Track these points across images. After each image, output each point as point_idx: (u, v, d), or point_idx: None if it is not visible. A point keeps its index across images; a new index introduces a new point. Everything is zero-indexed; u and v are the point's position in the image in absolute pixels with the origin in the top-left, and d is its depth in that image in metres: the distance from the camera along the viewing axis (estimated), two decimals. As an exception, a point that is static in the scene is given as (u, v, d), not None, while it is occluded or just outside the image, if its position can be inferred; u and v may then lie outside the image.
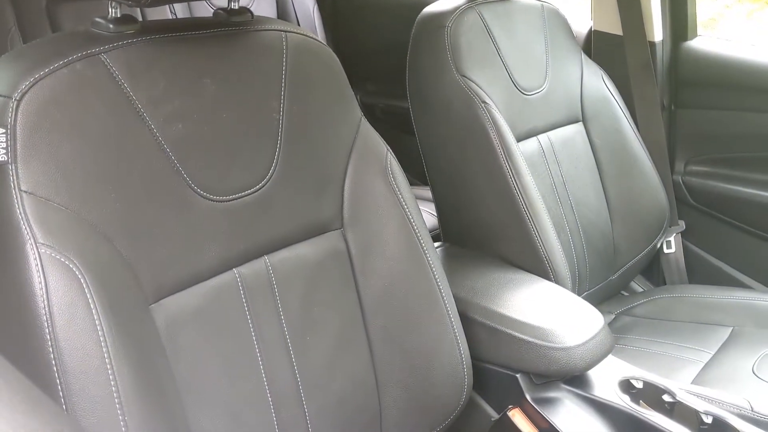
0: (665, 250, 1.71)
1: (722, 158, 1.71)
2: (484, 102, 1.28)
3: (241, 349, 0.87)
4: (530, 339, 1.03)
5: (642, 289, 1.74)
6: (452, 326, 1.00)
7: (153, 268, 0.80)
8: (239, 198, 0.88)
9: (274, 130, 0.92)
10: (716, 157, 1.72)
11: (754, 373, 1.26)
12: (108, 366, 0.70)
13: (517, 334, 1.05)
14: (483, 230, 1.32)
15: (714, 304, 1.52)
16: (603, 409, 1.03)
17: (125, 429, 0.70)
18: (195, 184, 0.83)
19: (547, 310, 1.09)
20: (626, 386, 1.08)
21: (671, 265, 1.72)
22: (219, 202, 0.86)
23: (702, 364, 1.32)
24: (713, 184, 1.71)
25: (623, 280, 1.62)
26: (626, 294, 1.72)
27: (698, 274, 1.73)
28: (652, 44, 1.71)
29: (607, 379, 1.07)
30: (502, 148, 1.27)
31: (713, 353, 1.35)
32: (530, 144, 1.43)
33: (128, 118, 0.79)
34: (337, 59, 1.01)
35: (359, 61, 2.00)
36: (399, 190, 1.00)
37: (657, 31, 1.70)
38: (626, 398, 1.04)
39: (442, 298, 1.00)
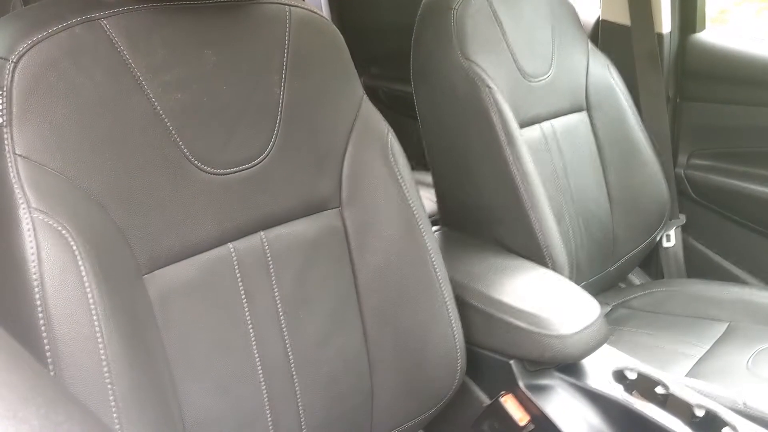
0: (665, 244, 1.70)
1: (726, 152, 1.70)
2: (488, 86, 1.26)
3: (233, 323, 0.86)
4: (525, 325, 1.03)
5: (640, 282, 1.73)
6: (447, 309, 1.00)
7: (147, 239, 0.79)
8: (237, 172, 0.87)
9: (275, 105, 0.90)
10: (720, 151, 1.71)
11: (748, 368, 1.26)
12: (98, 334, 0.69)
13: (512, 320, 1.04)
14: (482, 215, 1.31)
15: (711, 299, 1.52)
16: (595, 398, 1.03)
17: (113, 397, 0.69)
18: (192, 155, 0.82)
19: (544, 297, 1.09)
20: (620, 376, 1.07)
21: (670, 259, 1.71)
22: (216, 175, 0.85)
23: (696, 358, 1.32)
24: (716, 178, 1.70)
25: (621, 271, 1.62)
26: (623, 286, 1.72)
27: (697, 268, 1.72)
28: (660, 35, 1.69)
29: (600, 369, 1.06)
30: (505, 133, 1.26)
31: (708, 348, 1.35)
32: (533, 131, 1.42)
33: (126, 85, 0.78)
34: (341, 35, 1.00)
35: (363, 43, 1.98)
36: (399, 170, 0.99)
37: (665, 23, 1.69)
38: (619, 388, 1.04)
39: (438, 280, 1.00)
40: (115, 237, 0.76)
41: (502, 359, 1.05)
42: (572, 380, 1.04)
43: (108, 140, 0.76)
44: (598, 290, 1.56)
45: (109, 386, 0.69)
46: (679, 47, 1.72)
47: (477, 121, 1.28)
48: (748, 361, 1.28)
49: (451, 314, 1.00)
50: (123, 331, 0.72)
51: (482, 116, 1.27)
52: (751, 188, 1.63)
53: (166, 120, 0.80)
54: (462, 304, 1.05)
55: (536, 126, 1.43)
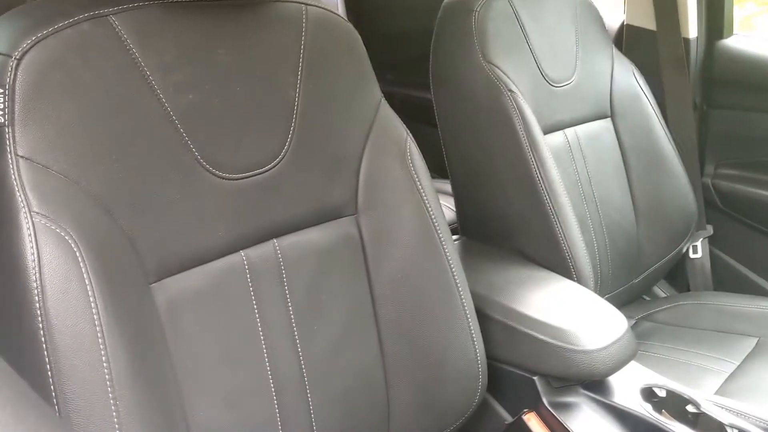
0: (691, 255, 1.65)
1: (754, 162, 1.64)
2: (511, 90, 1.22)
3: (244, 335, 0.82)
4: (550, 340, 0.98)
5: (665, 295, 1.68)
6: (468, 322, 0.95)
7: (155, 245, 0.75)
8: (249, 177, 0.83)
9: (290, 107, 0.87)
10: (748, 160, 1.65)
11: (780, 386, 1.20)
12: (101, 346, 0.66)
13: (536, 334, 0.99)
14: (504, 224, 1.27)
15: (740, 313, 1.46)
16: (623, 417, 0.98)
17: (116, 414, 0.66)
18: (204, 159, 0.79)
19: (569, 311, 1.04)
20: (648, 394, 1.02)
21: (696, 271, 1.66)
22: (228, 180, 0.81)
23: (726, 375, 1.26)
24: (744, 188, 1.64)
25: (646, 284, 1.56)
26: (648, 299, 1.66)
27: (724, 281, 1.66)
28: (687, 41, 1.65)
29: (628, 386, 1.01)
30: (528, 139, 1.21)
31: (738, 364, 1.29)
32: (556, 137, 1.38)
33: (135, 84, 0.74)
34: (359, 36, 0.96)
35: (380, 48, 1.93)
36: (417, 177, 0.95)
37: (692, 28, 1.64)
38: (648, 407, 0.99)
39: (458, 291, 0.95)
40: (121, 243, 0.72)
41: (525, 375, 1.00)
42: (599, 397, 0.99)
43: (116, 142, 0.73)
44: (621, 303, 1.51)
45: (112, 402, 0.66)
46: (706, 53, 1.67)
47: (499, 127, 1.23)
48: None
49: (471, 327, 0.96)
50: (128, 344, 0.68)
51: (504, 121, 1.22)
52: (778, 197, 1.58)
53: (176, 121, 0.77)
54: (483, 317, 1.00)
55: (560, 132, 1.38)
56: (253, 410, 0.82)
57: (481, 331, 0.97)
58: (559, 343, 0.97)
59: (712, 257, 1.67)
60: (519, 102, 1.22)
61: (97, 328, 0.66)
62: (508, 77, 1.23)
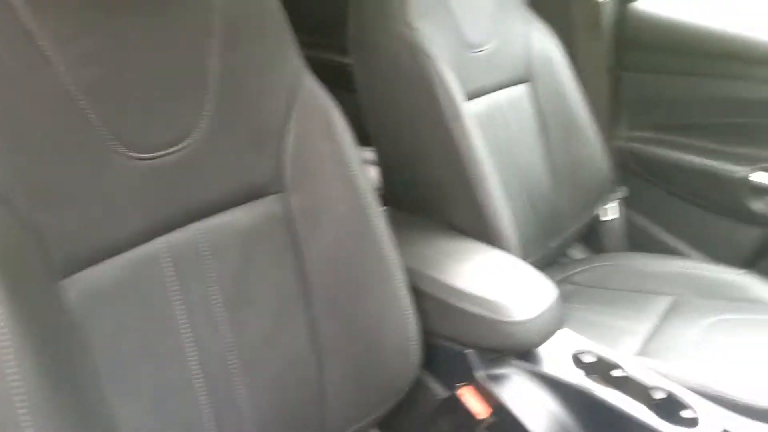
0: (606, 217, 1.68)
1: (667, 124, 1.68)
2: (432, 56, 1.18)
3: (167, 328, 0.76)
4: (483, 312, 0.97)
5: (581, 257, 1.71)
6: (402, 297, 0.93)
7: (63, 237, 0.68)
8: (164, 156, 0.76)
9: (204, 78, 0.80)
10: (661, 122, 1.69)
11: (697, 344, 1.24)
12: (6, 352, 0.58)
13: (467, 307, 0.98)
14: (428, 194, 1.24)
15: (654, 273, 1.51)
16: (556, 385, 0.98)
17: (28, 424, 0.59)
18: (111, 138, 0.71)
19: (498, 282, 1.03)
20: (578, 361, 1.04)
21: (611, 233, 1.70)
22: (140, 160, 0.74)
23: (644, 335, 1.30)
24: (657, 150, 1.68)
25: (563, 246, 1.58)
26: (565, 261, 1.69)
27: (638, 242, 1.71)
28: (599, 3, 1.65)
29: (559, 353, 1.02)
30: (450, 107, 1.18)
31: (655, 323, 1.33)
32: (478, 104, 1.35)
33: (30, 58, 0.66)
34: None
35: (291, 8, 1.85)
36: (345, 150, 0.91)
37: (609, -10, 1.65)
38: (580, 373, 1.00)
39: (392, 266, 0.92)
40: (23, 236, 0.65)
41: (459, 349, 0.99)
42: (532, 367, 0.99)
43: (10, 122, 0.64)
44: (541, 266, 1.52)
45: (22, 413, 0.59)
46: (619, 16, 1.68)
47: (420, 94, 1.19)
48: (697, 336, 1.27)
49: (405, 302, 0.93)
50: (37, 347, 0.61)
51: (426, 88, 1.19)
52: (692, 160, 1.62)
53: (79, 98, 0.69)
54: (415, 292, 0.97)
55: (481, 99, 1.36)
56: (180, 408, 0.77)
57: (415, 306, 0.95)
58: (492, 316, 0.96)
59: (627, 219, 1.71)
60: (441, 68, 1.19)
61: (1, 333, 0.58)
62: (430, 42, 1.19)
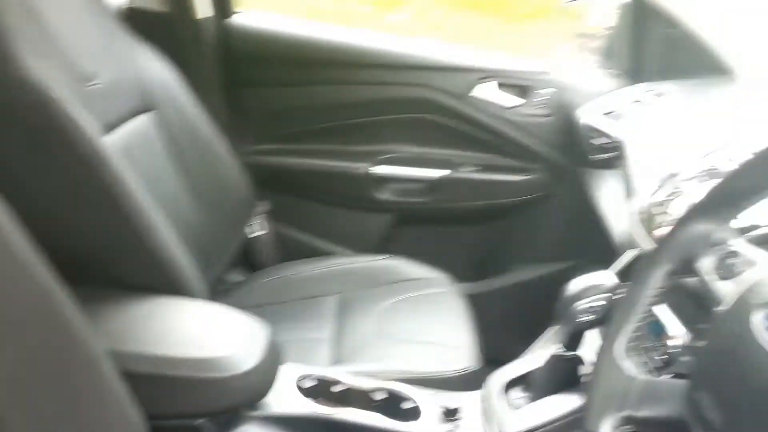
0: (254, 234, 1.66)
1: (291, 134, 1.74)
2: (55, 97, 1.00)
3: None
4: (202, 375, 0.87)
5: (242, 278, 1.67)
6: (115, 392, 0.77)
7: None
8: None
9: None
10: (285, 133, 1.74)
11: (379, 334, 1.32)
12: None
13: (185, 373, 0.87)
14: (89, 258, 1.05)
15: (313, 278, 1.54)
16: (292, 421, 0.95)
17: None
18: None
19: (208, 336, 0.94)
20: (302, 388, 1.01)
21: (262, 248, 1.68)
22: None
23: (330, 340, 1.33)
24: (287, 160, 1.73)
25: (224, 273, 1.53)
26: (227, 287, 1.63)
27: (291, 251, 1.73)
28: (199, 21, 1.60)
29: (284, 388, 0.98)
30: (89, 152, 1.02)
31: (335, 325, 1.37)
32: (110, 141, 1.20)
33: None
34: None
35: None
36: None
37: (203, 7, 1.60)
38: (308, 402, 0.98)
39: (93, 354, 0.76)
40: None
41: (189, 423, 0.87)
42: (265, 413, 0.93)
43: None
44: (210, 299, 1.44)
45: None
46: (220, 32, 1.66)
47: (51, 146, 1.00)
48: (375, 327, 1.34)
49: (119, 395, 0.78)
50: None
51: (57, 135, 1.00)
52: (319, 164, 1.71)
53: None
54: (126, 377, 0.82)
55: (109, 137, 1.21)
56: None
57: (129, 392, 0.80)
58: (213, 375, 0.87)
59: (276, 232, 1.72)
60: (68, 110, 1.01)
61: None
62: (49, 82, 1.00)
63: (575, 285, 0.93)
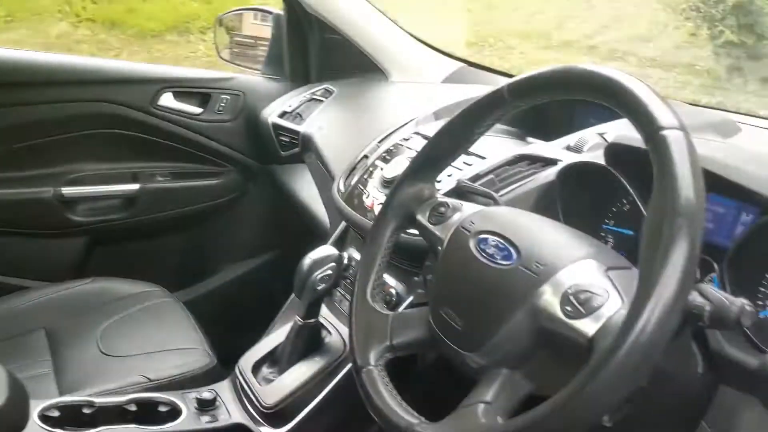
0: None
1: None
2: None
3: None
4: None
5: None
6: None
7: None
8: None
9: None
10: None
11: (110, 356, 1.28)
12: None
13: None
14: None
15: (12, 316, 1.42)
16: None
17: None
18: None
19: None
20: (48, 419, 0.96)
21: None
22: None
23: (51, 374, 1.25)
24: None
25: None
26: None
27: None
28: None
29: (29, 426, 0.92)
30: None
31: (52, 359, 1.29)
32: None
33: None
34: None
35: None
36: None
37: None
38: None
39: None
40: None
41: None
42: None
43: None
44: None
45: None
46: None
47: None
48: (102, 350, 1.30)
49: None
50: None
51: None
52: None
53: None
54: None
55: None
56: None
57: None
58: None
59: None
60: None
61: None
62: None
63: (307, 261, 1.05)
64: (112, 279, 1.52)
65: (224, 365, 1.27)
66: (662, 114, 0.59)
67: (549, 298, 0.63)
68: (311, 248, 1.08)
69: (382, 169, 1.15)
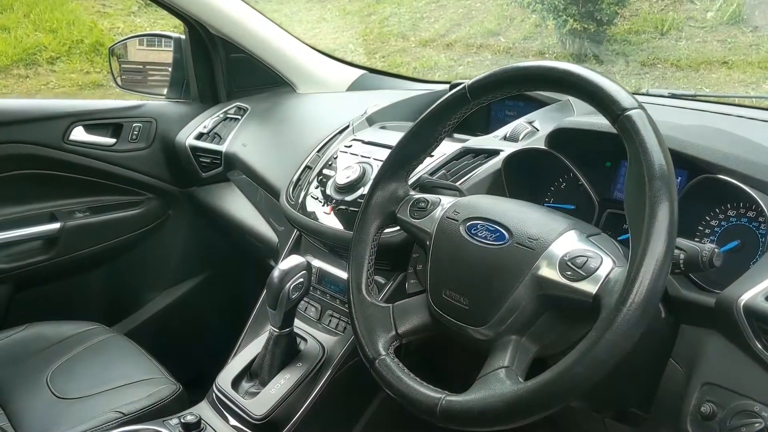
0: None
1: None
2: None
3: None
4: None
5: None
6: None
7: None
8: None
9: None
10: None
11: (66, 399, 1.25)
12: None
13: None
14: None
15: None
16: None
17: None
18: None
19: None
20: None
21: None
22: None
23: (5, 428, 1.21)
24: None
25: None
26: None
27: None
28: None
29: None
30: None
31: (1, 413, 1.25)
32: None
33: None
34: None
35: None
36: None
37: None
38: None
39: None
40: None
41: None
42: None
43: None
44: None
45: None
46: None
47: None
48: (56, 395, 1.26)
49: None
50: None
51: None
52: None
53: None
54: None
55: None
56: None
57: None
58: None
59: None
60: None
61: None
62: None
63: (277, 272, 1.08)
64: (48, 323, 1.47)
65: (189, 388, 1.28)
66: (623, 97, 0.70)
67: (548, 268, 0.72)
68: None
69: (330, 177, 1.20)
